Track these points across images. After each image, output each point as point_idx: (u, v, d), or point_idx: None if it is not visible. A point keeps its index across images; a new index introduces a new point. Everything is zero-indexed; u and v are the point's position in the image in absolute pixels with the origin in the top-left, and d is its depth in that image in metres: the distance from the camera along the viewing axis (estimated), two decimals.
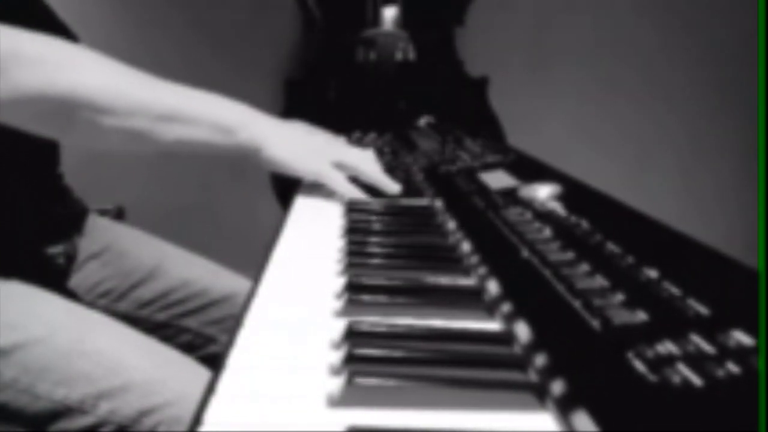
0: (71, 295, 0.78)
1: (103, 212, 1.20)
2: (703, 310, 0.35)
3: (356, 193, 0.74)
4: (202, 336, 0.85)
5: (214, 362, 0.37)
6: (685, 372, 0.30)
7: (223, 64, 1.89)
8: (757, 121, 1.80)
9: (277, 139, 0.70)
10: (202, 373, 0.63)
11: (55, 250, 0.80)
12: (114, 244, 0.86)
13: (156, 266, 0.86)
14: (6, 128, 0.63)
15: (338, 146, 0.82)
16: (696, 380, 0.29)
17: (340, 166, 0.75)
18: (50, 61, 0.59)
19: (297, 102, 1.77)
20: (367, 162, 0.78)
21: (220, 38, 1.91)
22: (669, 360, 0.31)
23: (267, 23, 1.91)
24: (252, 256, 0.59)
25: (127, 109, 0.62)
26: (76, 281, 0.83)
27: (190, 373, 0.63)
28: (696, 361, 0.30)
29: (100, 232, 0.87)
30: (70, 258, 0.82)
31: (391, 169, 0.86)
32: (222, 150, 0.68)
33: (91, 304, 0.80)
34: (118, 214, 1.84)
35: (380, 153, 1.02)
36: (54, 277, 0.79)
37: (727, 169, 2.02)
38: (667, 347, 0.32)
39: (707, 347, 0.31)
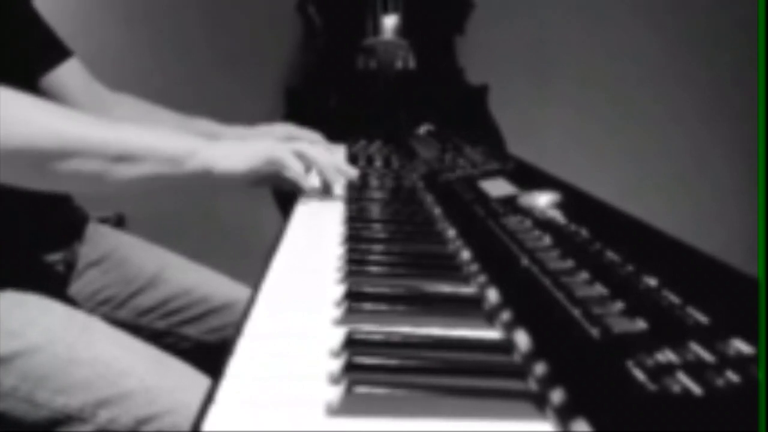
0: (71, 302, 0.78)
1: (103, 220, 1.20)
2: (702, 318, 0.35)
3: (308, 180, 0.75)
4: (202, 344, 0.85)
5: (214, 370, 0.37)
6: (684, 380, 0.29)
7: (225, 72, 1.90)
8: (757, 129, 1.80)
9: (225, 154, 0.71)
10: (202, 381, 0.63)
11: (55, 257, 0.80)
12: (114, 252, 0.86)
13: (156, 274, 0.86)
14: None
15: (287, 143, 0.82)
16: (695, 389, 0.29)
17: (293, 152, 0.76)
18: (4, 116, 0.59)
19: (297, 110, 1.78)
20: (324, 154, 0.79)
21: (221, 47, 1.92)
22: (668, 368, 0.31)
23: (268, 32, 1.92)
24: (252, 264, 0.59)
25: (81, 153, 0.63)
26: (76, 289, 0.83)
27: (190, 380, 0.63)
28: (695, 369, 0.30)
29: (100, 240, 0.87)
30: (70, 265, 0.82)
31: (397, 177, 0.87)
32: (173, 180, 0.69)
33: (91, 312, 0.80)
34: (119, 222, 1.85)
35: (386, 161, 1.02)
36: (54, 285, 0.79)
37: (727, 177, 2.02)
38: (666, 356, 0.32)
39: (707, 356, 0.31)
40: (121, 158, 0.65)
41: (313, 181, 0.79)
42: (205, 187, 0.72)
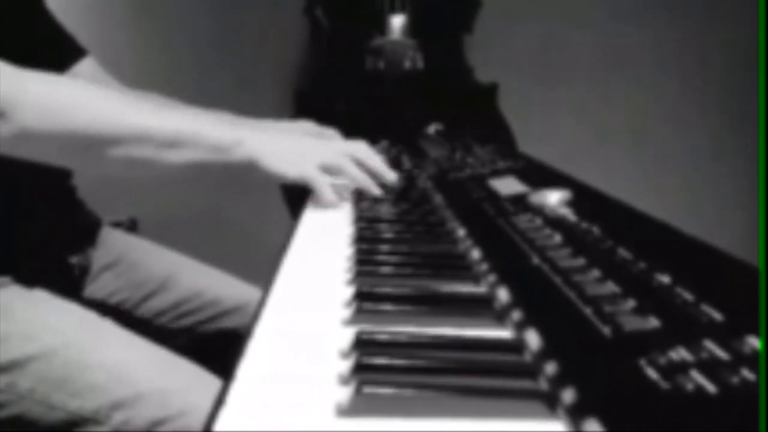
0: (85, 305, 0.79)
1: (116, 224, 1.21)
2: (716, 315, 0.35)
3: (333, 204, 0.74)
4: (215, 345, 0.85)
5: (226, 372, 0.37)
6: (698, 379, 0.29)
7: (233, 75, 1.91)
8: (758, 130, 1.78)
9: (270, 150, 0.72)
10: (215, 383, 0.63)
11: (70, 261, 0.81)
12: (126, 256, 0.87)
13: (168, 277, 0.86)
14: None
15: (324, 147, 0.81)
16: (710, 387, 0.28)
17: (325, 168, 0.75)
18: (57, 103, 0.62)
19: (306, 112, 1.78)
20: (352, 163, 0.77)
21: (228, 51, 1.93)
22: (682, 367, 0.30)
23: (275, 35, 1.93)
24: (263, 266, 0.59)
25: (133, 139, 0.65)
26: (89, 292, 0.84)
27: (203, 382, 0.63)
28: (710, 367, 0.30)
29: (113, 244, 0.88)
30: (84, 269, 0.83)
31: (406, 177, 0.87)
32: (220, 168, 0.70)
33: (105, 315, 0.81)
34: (131, 226, 1.86)
35: (396, 161, 1.02)
36: (69, 288, 0.80)
37: (735, 183, 2.00)
38: (680, 354, 0.31)
39: (721, 353, 0.31)
40: (172, 144, 0.67)
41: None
42: (247, 175, 0.72)
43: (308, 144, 0.80)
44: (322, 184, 0.74)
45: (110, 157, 0.64)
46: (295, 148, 0.75)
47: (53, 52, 0.87)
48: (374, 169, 0.78)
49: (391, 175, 0.79)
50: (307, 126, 1.08)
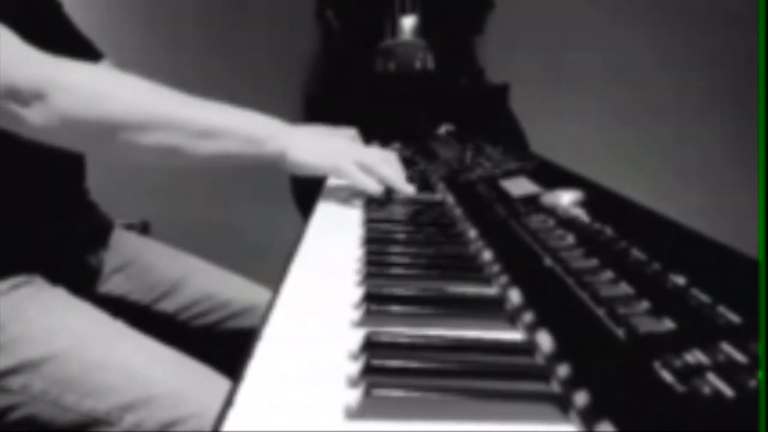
0: (98, 307, 0.79)
1: (128, 226, 1.22)
2: (733, 317, 0.34)
3: (374, 188, 0.75)
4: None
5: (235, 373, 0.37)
6: (715, 382, 0.28)
7: (243, 80, 1.92)
8: (758, 130, 1.75)
9: (300, 143, 0.73)
10: (226, 385, 0.63)
11: (82, 262, 0.82)
12: (138, 258, 0.88)
13: (179, 279, 0.87)
14: (32, 145, 0.65)
15: (358, 147, 0.84)
16: (727, 391, 0.28)
17: (359, 165, 0.76)
18: (93, 89, 0.64)
19: (317, 113, 1.79)
20: (384, 164, 0.78)
21: (239, 54, 1.94)
22: (698, 370, 0.30)
23: (286, 37, 1.94)
24: (273, 269, 0.59)
25: (164, 127, 0.66)
26: (101, 294, 0.84)
27: (214, 384, 0.63)
28: (727, 370, 0.29)
29: (125, 246, 0.89)
30: (96, 271, 0.84)
31: (412, 178, 0.86)
32: (252, 159, 0.72)
33: (116, 316, 0.81)
34: (143, 229, 1.88)
35: (408, 162, 1.02)
36: (81, 290, 0.80)
37: (746, 186, 1.97)
38: (696, 356, 0.31)
39: (738, 356, 0.30)
40: (204, 134, 0.68)
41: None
42: (274, 168, 0.74)
43: (339, 142, 0.81)
44: (357, 176, 0.75)
45: (142, 144, 0.65)
46: (325, 143, 0.77)
47: (71, 55, 0.87)
48: (392, 181, 0.78)
49: (408, 190, 0.78)
50: (329, 129, 1.08)
